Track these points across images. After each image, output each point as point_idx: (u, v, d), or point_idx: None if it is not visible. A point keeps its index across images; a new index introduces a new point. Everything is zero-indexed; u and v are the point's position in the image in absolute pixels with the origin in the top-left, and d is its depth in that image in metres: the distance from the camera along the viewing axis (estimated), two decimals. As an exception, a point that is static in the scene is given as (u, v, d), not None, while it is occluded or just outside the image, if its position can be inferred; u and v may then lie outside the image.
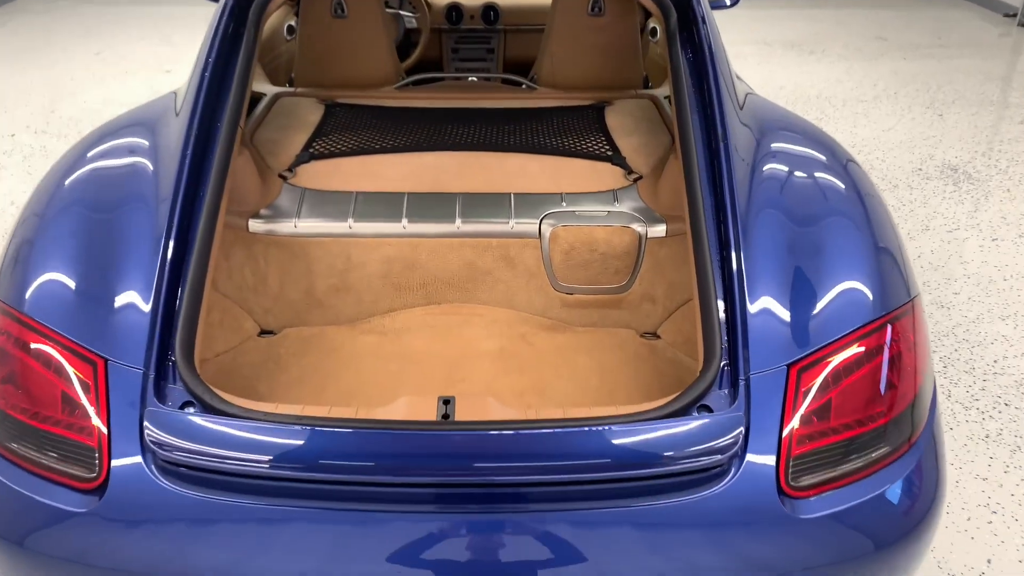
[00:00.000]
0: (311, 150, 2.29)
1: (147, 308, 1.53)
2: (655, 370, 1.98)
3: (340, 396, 1.87)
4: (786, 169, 1.82)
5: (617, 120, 2.48)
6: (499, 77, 2.88)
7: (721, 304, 1.58)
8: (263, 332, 2.14)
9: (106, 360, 1.47)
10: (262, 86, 2.74)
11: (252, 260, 2.10)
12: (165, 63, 6.31)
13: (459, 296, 2.16)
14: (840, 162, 1.91)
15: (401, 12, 3.59)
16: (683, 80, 2.01)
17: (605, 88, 2.71)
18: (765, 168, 1.81)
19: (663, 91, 2.72)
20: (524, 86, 2.79)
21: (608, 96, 2.67)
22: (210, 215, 1.71)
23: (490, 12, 3.65)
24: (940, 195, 4.37)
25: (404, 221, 2.08)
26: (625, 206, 2.13)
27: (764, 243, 1.64)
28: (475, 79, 3.49)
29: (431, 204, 2.13)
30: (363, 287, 2.13)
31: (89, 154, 1.88)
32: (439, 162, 2.24)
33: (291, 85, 2.88)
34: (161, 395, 1.45)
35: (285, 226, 2.08)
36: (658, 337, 2.13)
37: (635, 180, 2.21)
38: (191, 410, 1.42)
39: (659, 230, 2.08)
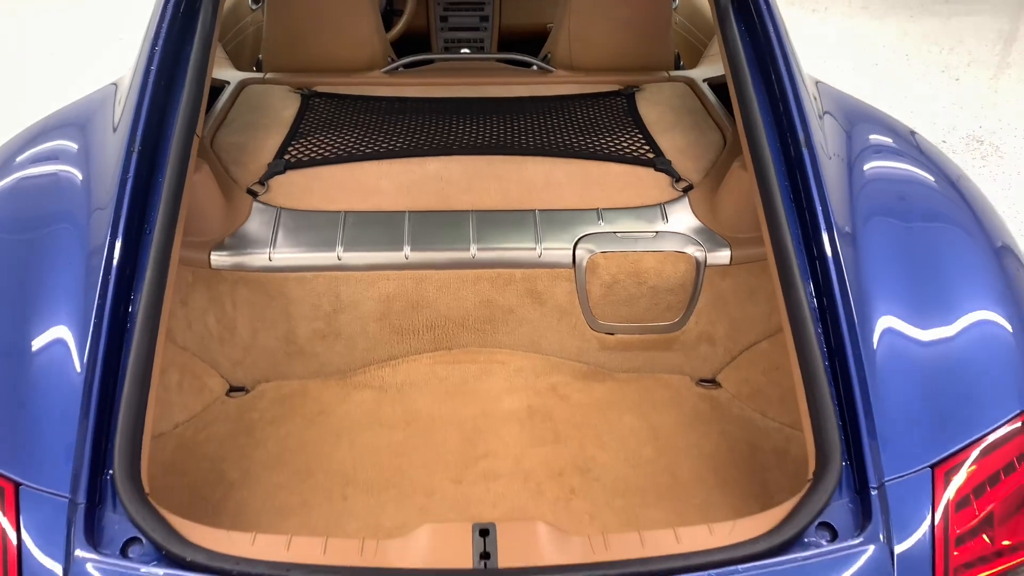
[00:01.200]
0: (287, 156, 1.87)
1: (76, 397, 1.13)
2: (722, 434, 1.61)
3: (332, 483, 1.48)
4: (891, 178, 1.46)
5: (653, 111, 2.08)
6: (508, 58, 2.46)
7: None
8: (233, 389, 1.74)
9: (17, 484, 1.07)
10: (224, 72, 2.30)
11: (216, 303, 1.69)
12: (118, 29, 5.75)
13: (475, 339, 1.77)
14: (951, 171, 1.55)
15: None
16: (742, 63, 1.62)
17: (632, 70, 2.30)
18: (865, 172, 1.45)
19: (699, 73, 2.32)
20: (535, 67, 2.38)
21: (636, 79, 2.26)
22: (161, 252, 1.31)
23: None
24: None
25: (406, 249, 1.68)
26: (677, 224, 1.74)
27: (879, 278, 1.27)
28: (468, 51, 3.06)
29: (438, 226, 1.72)
30: (356, 331, 1.73)
31: (3, 168, 1.47)
32: (445, 170, 1.83)
33: (258, 69, 2.44)
34: (95, 531, 1.06)
35: (257, 258, 1.67)
36: (718, 385, 1.76)
37: (685, 190, 1.82)
38: (137, 551, 1.03)
39: (721, 256, 1.70)
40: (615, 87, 2.22)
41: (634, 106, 2.10)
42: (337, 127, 1.98)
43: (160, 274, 1.28)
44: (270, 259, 1.66)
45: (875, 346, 1.20)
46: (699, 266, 1.69)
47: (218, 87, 2.19)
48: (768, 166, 1.45)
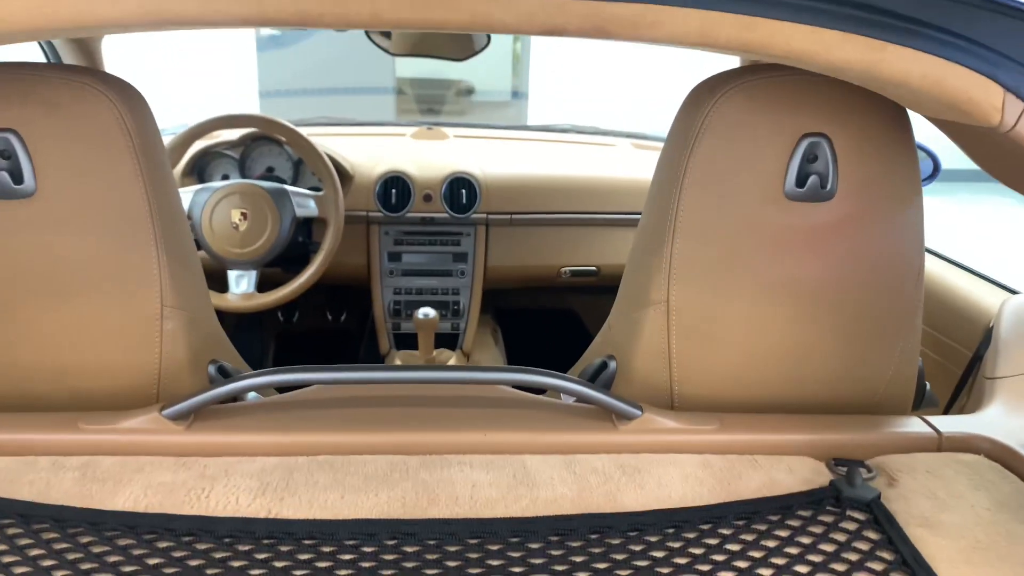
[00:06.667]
0: None
1: None
2: None
3: None
4: None
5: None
6: (512, 379, 0.94)
7: None
8: None
9: None
10: None
11: None
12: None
13: None
14: None
15: (290, 188, 1.82)
16: None
17: (823, 407, 0.90)
18: None
19: (1010, 426, 0.90)
20: (560, 398, 0.94)
21: (844, 442, 0.84)
22: None
23: (461, 191, 1.95)
24: None
25: None
26: None
27: None
28: (431, 313, 1.70)
29: None
30: None
31: None
32: None
33: None
34: None
35: None
36: None
37: None
38: None
39: None
40: (813, 467, 0.80)
41: (921, 565, 0.66)
42: None
43: None
44: None
45: None
46: None
47: None
48: None
